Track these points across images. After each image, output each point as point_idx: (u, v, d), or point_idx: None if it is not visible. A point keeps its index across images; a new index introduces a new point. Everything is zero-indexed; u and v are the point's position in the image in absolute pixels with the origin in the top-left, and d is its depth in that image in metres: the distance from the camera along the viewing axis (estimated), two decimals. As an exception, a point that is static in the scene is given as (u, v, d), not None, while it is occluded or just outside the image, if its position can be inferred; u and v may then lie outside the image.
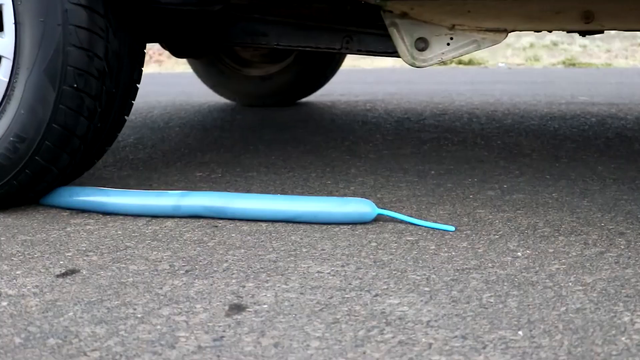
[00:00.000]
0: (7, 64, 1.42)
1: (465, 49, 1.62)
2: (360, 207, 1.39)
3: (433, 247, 1.26)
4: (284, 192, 1.65)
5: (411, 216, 1.43)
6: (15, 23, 1.40)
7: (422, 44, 1.62)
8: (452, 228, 1.35)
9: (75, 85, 1.41)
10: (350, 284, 1.09)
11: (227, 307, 1.01)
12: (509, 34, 1.64)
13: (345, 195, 1.62)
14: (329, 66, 3.25)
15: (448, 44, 1.62)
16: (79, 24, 1.39)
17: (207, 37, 1.98)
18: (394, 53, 1.73)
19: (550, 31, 1.76)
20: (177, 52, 2.25)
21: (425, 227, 1.38)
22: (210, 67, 3.23)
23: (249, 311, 0.99)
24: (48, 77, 1.39)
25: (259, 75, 3.19)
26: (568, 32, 1.80)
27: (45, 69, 1.39)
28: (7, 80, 1.43)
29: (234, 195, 1.45)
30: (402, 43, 1.64)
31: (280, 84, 3.21)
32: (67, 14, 1.38)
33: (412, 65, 1.66)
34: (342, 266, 1.17)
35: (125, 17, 1.52)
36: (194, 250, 1.26)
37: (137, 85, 1.63)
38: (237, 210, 1.42)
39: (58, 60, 1.39)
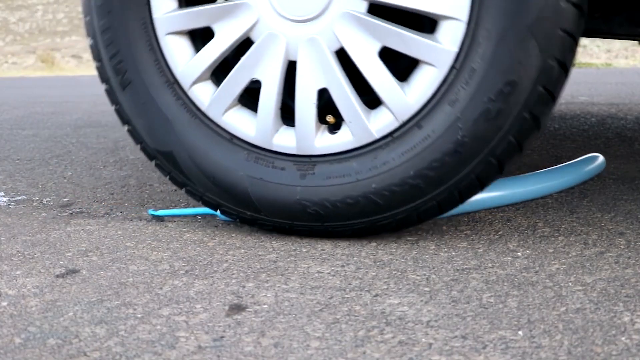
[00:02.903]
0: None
1: None
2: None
3: (433, 247, 1.26)
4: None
5: None
6: None
7: None
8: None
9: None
10: (350, 284, 1.09)
11: (227, 307, 1.01)
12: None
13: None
14: None
15: None
16: None
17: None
18: None
19: None
20: None
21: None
22: None
23: (249, 311, 0.99)
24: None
25: None
26: None
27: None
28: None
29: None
30: None
31: None
32: None
33: None
34: (342, 266, 1.17)
35: None
36: (194, 250, 1.26)
37: None
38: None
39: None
